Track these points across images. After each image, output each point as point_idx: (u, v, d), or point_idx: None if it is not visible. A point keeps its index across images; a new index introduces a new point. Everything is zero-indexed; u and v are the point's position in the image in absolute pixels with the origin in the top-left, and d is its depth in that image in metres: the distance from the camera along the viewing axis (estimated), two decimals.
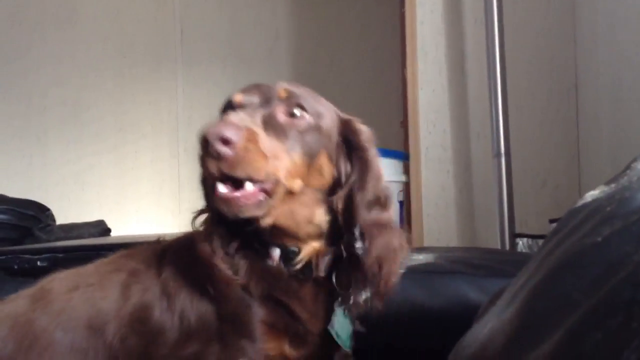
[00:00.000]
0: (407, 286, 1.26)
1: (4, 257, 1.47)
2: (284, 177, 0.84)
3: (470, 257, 1.38)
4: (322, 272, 0.93)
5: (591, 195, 0.75)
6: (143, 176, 4.27)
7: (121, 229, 3.55)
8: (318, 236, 0.92)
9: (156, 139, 4.34)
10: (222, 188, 0.81)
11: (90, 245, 1.48)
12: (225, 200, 0.80)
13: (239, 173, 0.80)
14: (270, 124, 0.85)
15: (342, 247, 0.91)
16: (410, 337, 1.24)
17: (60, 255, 1.42)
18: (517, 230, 2.02)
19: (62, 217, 3.17)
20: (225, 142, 0.78)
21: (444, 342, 0.92)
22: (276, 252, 0.91)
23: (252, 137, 0.81)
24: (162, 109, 4.36)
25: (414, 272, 1.28)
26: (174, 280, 0.90)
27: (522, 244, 1.97)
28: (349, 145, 0.94)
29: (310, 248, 0.92)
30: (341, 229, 0.91)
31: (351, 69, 4.07)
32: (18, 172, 4.31)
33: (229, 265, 0.90)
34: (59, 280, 0.99)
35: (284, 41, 4.14)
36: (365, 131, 0.95)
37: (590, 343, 0.45)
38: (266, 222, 0.86)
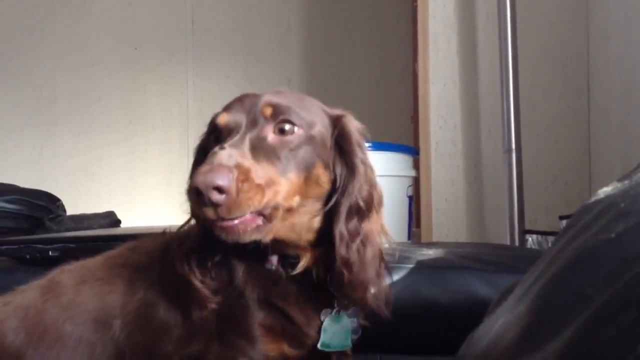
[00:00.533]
0: (417, 281, 1.27)
1: (16, 246, 1.48)
2: (282, 199, 0.83)
3: (480, 252, 1.38)
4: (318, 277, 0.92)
5: (604, 191, 0.75)
6: (152, 168, 4.29)
7: (131, 220, 3.57)
8: (318, 242, 0.91)
9: (166, 131, 4.36)
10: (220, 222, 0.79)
11: (101, 236, 1.49)
12: (224, 228, 0.79)
13: (238, 214, 0.78)
14: (260, 148, 0.83)
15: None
16: (419, 331, 1.25)
17: (72, 245, 1.43)
18: (527, 226, 2.01)
19: (72, 207, 3.19)
20: (219, 190, 0.76)
21: (453, 337, 0.92)
22: (274, 258, 0.91)
23: (245, 176, 0.78)
24: (173, 101, 4.37)
25: (423, 267, 1.29)
26: (177, 277, 0.90)
27: (531, 240, 1.97)
28: (341, 147, 0.92)
29: (309, 254, 0.91)
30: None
31: (362, 63, 4.06)
32: (29, 163, 4.34)
33: (215, 274, 0.90)
34: (68, 273, 1.00)
35: (294, 34, 4.14)
36: (354, 132, 0.93)
37: (603, 338, 0.45)
38: (266, 240, 0.85)
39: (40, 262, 1.43)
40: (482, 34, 2.30)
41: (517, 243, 1.98)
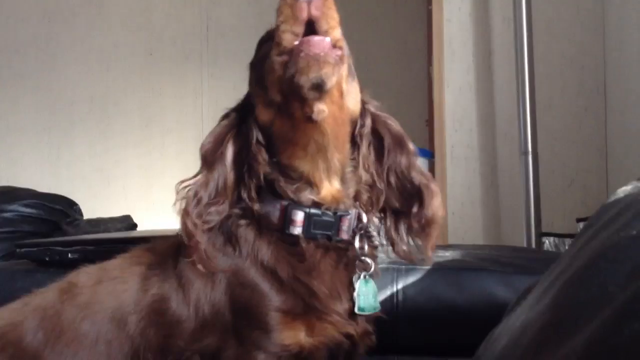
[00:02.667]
0: (434, 283, 1.27)
1: (35, 249, 1.49)
2: (347, 55, 0.85)
3: (497, 254, 1.38)
4: (346, 234, 0.91)
5: (623, 190, 0.75)
6: (168, 170, 4.31)
7: (147, 222, 3.59)
8: (339, 178, 0.91)
9: (181, 133, 4.38)
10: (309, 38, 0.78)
11: (119, 239, 1.50)
12: (310, 49, 0.78)
13: (324, 24, 0.79)
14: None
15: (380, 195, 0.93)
16: (437, 332, 1.25)
17: (91, 247, 1.44)
18: (544, 229, 2.01)
19: (89, 210, 3.21)
20: None
21: (471, 338, 0.92)
22: (299, 216, 0.88)
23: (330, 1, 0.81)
24: (188, 103, 4.39)
25: (441, 269, 1.28)
26: (189, 271, 0.90)
27: (548, 243, 1.96)
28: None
29: (331, 189, 0.90)
30: (365, 177, 0.93)
31: (377, 66, 4.06)
32: (46, 166, 4.37)
33: (247, 245, 0.89)
34: (85, 274, 1.01)
35: None
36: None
37: (626, 335, 0.45)
38: (321, 110, 0.82)
39: (59, 264, 1.44)
40: (498, 37, 2.29)
41: (533, 246, 1.97)
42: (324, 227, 0.89)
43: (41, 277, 1.45)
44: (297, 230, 0.89)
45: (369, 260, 0.93)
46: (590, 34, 2.11)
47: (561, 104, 2.15)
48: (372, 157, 0.95)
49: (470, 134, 2.34)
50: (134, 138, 4.38)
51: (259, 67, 0.89)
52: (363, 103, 0.95)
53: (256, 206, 0.90)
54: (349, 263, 0.92)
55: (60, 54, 4.43)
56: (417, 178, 0.94)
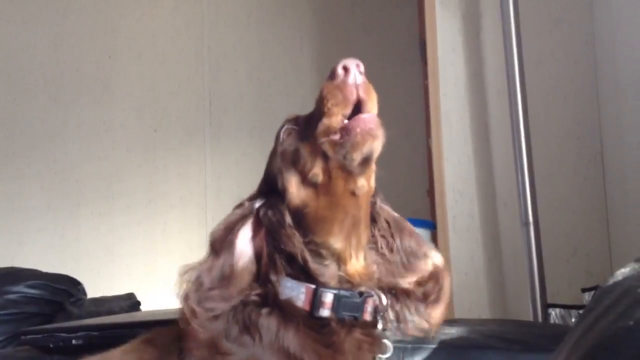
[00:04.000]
0: None
1: (40, 335, 1.49)
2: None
3: (504, 330, 1.37)
4: (369, 316, 0.91)
5: (622, 273, 0.76)
6: (171, 247, 4.31)
7: (151, 300, 3.56)
8: (363, 254, 0.93)
9: (185, 209, 4.40)
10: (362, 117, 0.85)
11: (123, 323, 1.50)
12: (368, 129, 0.84)
13: (369, 103, 0.87)
14: None
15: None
16: None
17: (95, 333, 1.44)
18: (549, 300, 1.99)
19: (92, 288, 3.20)
20: (359, 69, 0.87)
21: None
22: (329, 297, 0.88)
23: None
24: (191, 179, 4.43)
25: (447, 347, 1.27)
26: None
27: (554, 314, 1.94)
28: None
29: (357, 266, 0.91)
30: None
31: None
32: (51, 246, 4.38)
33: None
34: None
35: (310, 110, 4.21)
36: None
37: None
38: (362, 184, 0.88)
39: (64, 350, 1.44)
40: (494, 109, 2.34)
41: (539, 317, 1.96)
42: (351, 308, 0.89)
43: None
44: (326, 312, 0.88)
45: (387, 342, 0.93)
46: (585, 103, 2.15)
47: (560, 174, 2.17)
48: (388, 232, 0.97)
49: (471, 204, 2.36)
50: (138, 216, 4.41)
51: (291, 154, 0.92)
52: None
53: (280, 290, 0.89)
54: (371, 344, 0.92)
55: (66, 132, 4.50)
56: (432, 258, 0.98)
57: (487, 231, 2.32)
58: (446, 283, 0.96)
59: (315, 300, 0.88)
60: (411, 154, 3.97)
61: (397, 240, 0.97)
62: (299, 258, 0.89)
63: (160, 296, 4.05)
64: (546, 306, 1.96)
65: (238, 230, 0.93)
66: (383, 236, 0.97)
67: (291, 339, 0.87)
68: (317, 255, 0.90)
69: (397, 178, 3.78)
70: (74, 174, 4.46)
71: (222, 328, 0.88)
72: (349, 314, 0.89)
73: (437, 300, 0.95)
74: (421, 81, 3.48)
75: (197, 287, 0.89)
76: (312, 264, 0.89)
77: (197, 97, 4.48)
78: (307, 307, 0.88)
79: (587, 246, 2.09)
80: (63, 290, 2.84)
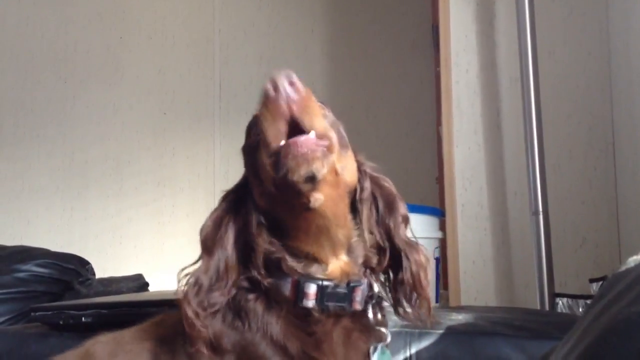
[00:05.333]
0: (447, 347, 1.26)
1: (49, 312, 1.50)
2: (334, 145, 0.84)
3: (511, 317, 1.37)
4: (359, 305, 0.91)
5: (634, 260, 0.76)
6: (179, 229, 4.33)
7: (158, 281, 3.59)
8: (346, 250, 0.91)
9: (193, 192, 4.41)
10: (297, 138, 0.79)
11: (132, 302, 1.51)
12: (295, 148, 0.79)
13: (306, 119, 0.80)
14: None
15: (384, 266, 0.94)
16: None
17: (104, 311, 1.45)
18: (557, 289, 1.99)
19: (101, 269, 3.22)
20: (292, 85, 0.81)
21: None
22: (312, 289, 0.88)
23: (309, 95, 0.83)
24: (199, 163, 4.44)
25: (454, 333, 1.28)
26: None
27: (562, 304, 1.94)
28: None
29: (339, 263, 0.90)
30: (372, 246, 0.93)
31: (387, 124, 4.11)
32: (59, 226, 4.41)
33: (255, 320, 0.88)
34: (101, 345, 1.02)
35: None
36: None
37: None
38: (317, 198, 0.83)
39: (74, 327, 1.45)
40: (506, 97, 2.33)
41: (547, 306, 1.96)
42: (337, 299, 0.89)
43: (55, 341, 1.46)
44: (310, 303, 0.88)
45: (383, 329, 0.93)
46: (597, 92, 2.14)
47: (570, 164, 2.16)
48: (374, 218, 0.96)
49: (481, 192, 2.35)
50: (146, 197, 4.42)
51: (251, 156, 0.91)
52: (359, 165, 0.96)
53: (266, 281, 0.90)
54: (363, 332, 0.92)
55: (75, 115, 4.51)
56: (399, 244, 0.95)
57: (495, 220, 2.32)
58: (413, 271, 0.94)
59: (299, 292, 0.88)
60: (421, 142, 3.97)
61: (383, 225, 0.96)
62: (261, 258, 0.90)
63: (167, 277, 4.08)
64: (554, 295, 1.96)
65: (226, 224, 0.93)
66: (369, 226, 0.94)
67: (274, 326, 0.88)
68: (293, 255, 0.90)
69: (407, 165, 3.78)
70: (83, 155, 4.47)
71: (222, 319, 0.90)
72: (335, 304, 0.88)
73: (411, 289, 0.94)
74: (432, 69, 3.47)
75: (197, 291, 0.90)
76: (288, 263, 0.89)
77: (207, 81, 4.47)
78: (292, 297, 0.89)
79: (595, 237, 2.09)
80: (72, 270, 2.86)
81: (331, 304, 0.88)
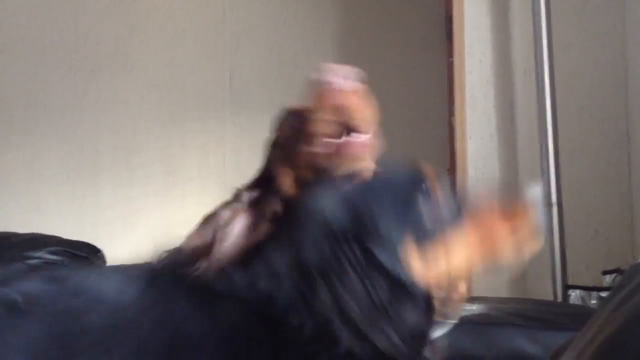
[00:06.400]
0: (461, 337, 1.26)
1: None
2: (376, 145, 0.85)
3: (524, 308, 1.37)
4: None
5: None
6: (189, 219, 4.32)
7: None
8: None
9: (203, 182, 4.42)
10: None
11: None
12: (350, 154, 0.80)
13: (358, 117, 0.81)
14: None
15: None
16: None
17: None
18: (570, 281, 1.99)
19: (112, 256, 3.23)
20: (350, 81, 0.82)
21: None
22: None
23: (365, 90, 0.85)
24: (210, 153, 4.44)
25: (467, 323, 1.28)
26: None
27: (574, 295, 1.94)
28: None
29: None
30: None
31: (398, 116, 4.10)
32: (70, 214, 4.42)
33: None
34: None
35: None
36: None
37: None
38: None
39: None
40: (520, 89, 2.31)
41: (559, 298, 1.95)
42: None
43: None
44: None
45: None
46: (612, 85, 2.13)
47: (584, 156, 2.15)
48: None
49: (493, 183, 2.34)
50: (156, 187, 4.43)
51: (287, 149, 0.89)
52: None
53: None
54: None
55: (85, 105, 4.52)
56: None
57: None
58: None
59: None
60: (432, 133, 3.95)
61: None
62: None
63: None
64: (566, 287, 1.95)
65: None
66: None
67: None
68: None
69: (418, 156, 3.75)
70: (93, 144, 4.48)
71: None
72: None
73: None
74: (444, 60, 3.45)
75: None
76: None
77: (217, 72, 4.47)
78: None
79: (608, 229, 2.08)
80: (83, 257, 2.87)
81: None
